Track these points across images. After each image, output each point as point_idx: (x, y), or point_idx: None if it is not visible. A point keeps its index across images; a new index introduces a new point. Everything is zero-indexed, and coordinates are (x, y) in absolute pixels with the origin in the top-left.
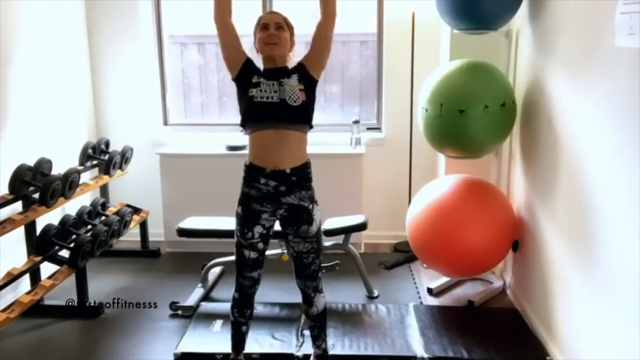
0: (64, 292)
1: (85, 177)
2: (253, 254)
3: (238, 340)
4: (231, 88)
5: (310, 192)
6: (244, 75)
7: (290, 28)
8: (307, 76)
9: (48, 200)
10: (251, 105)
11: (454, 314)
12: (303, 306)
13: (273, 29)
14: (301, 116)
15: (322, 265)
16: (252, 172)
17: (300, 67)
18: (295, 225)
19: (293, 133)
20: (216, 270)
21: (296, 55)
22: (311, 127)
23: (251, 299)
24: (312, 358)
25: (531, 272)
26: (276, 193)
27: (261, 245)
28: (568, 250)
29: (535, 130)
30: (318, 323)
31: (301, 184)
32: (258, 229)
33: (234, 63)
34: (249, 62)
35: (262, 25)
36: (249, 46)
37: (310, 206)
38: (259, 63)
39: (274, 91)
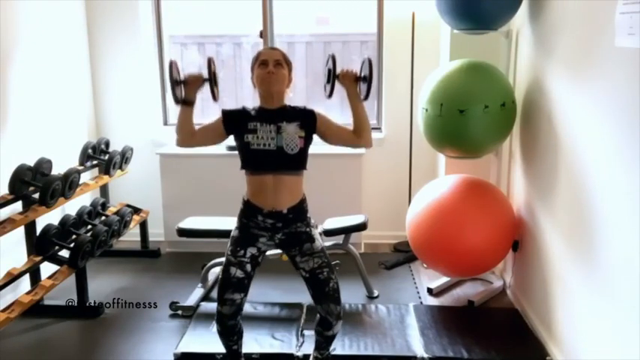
0: (64, 292)
1: (85, 177)
2: (239, 273)
3: (232, 355)
4: (232, 88)
5: (306, 221)
6: (233, 125)
7: (288, 64)
8: (312, 127)
9: (48, 200)
10: (248, 152)
11: (454, 314)
12: (318, 327)
13: (272, 66)
14: (297, 163)
15: (339, 286)
16: (250, 210)
17: (308, 117)
18: (297, 245)
19: (289, 177)
20: (216, 270)
21: (292, 90)
22: (305, 169)
23: (234, 328)
24: (311, 358)
25: (531, 272)
26: (274, 228)
27: (249, 267)
28: (568, 250)
29: (535, 130)
30: (328, 341)
31: (297, 218)
32: (251, 250)
33: (220, 138)
34: (228, 117)
35: (261, 62)
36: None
37: (308, 229)
38: (255, 98)
39: (271, 138)
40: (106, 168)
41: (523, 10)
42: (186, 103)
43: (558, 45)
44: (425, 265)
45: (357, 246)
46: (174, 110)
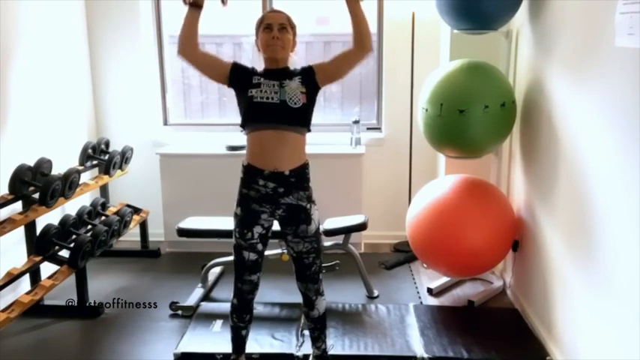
0: (64, 292)
1: (85, 177)
2: (253, 256)
3: (239, 343)
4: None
5: (308, 192)
6: (239, 79)
7: (293, 27)
8: (312, 81)
9: (48, 200)
10: (251, 105)
11: (454, 314)
12: (304, 308)
13: (277, 31)
14: (301, 118)
15: (322, 265)
16: (251, 174)
17: (308, 72)
18: (294, 225)
19: (292, 134)
20: (216, 270)
21: (297, 53)
22: (309, 130)
23: (250, 304)
24: (311, 358)
25: (531, 272)
26: (275, 195)
27: (260, 246)
28: (568, 249)
29: (535, 130)
30: (318, 325)
31: (299, 185)
32: (257, 230)
33: (220, 78)
34: (237, 68)
35: (265, 26)
36: (250, 45)
37: (308, 206)
38: (260, 61)
39: (275, 92)
40: (106, 168)
41: (523, 10)
42: (194, 5)
43: (558, 45)
44: (425, 265)
45: (357, 246)
46: (175, 110)
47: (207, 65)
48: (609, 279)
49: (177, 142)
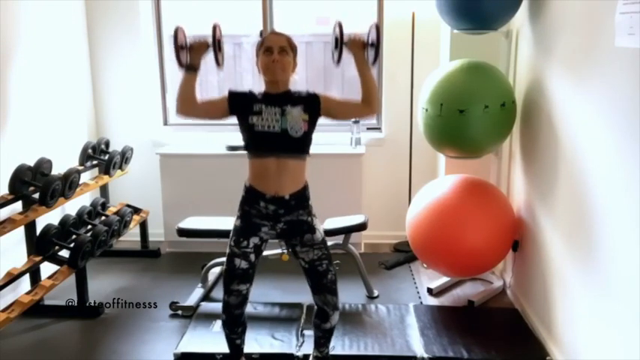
0: (64, 292)
1: (85, 177)
2: (244, 264)
3: (234, 351)
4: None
5: (308, 209)
6: (238, 105)
7: (293, 50)
8: (316, 109)
9: (48, 200)
10: (252, 134)
11: (454, 314)
12: (315, 319)
13: (277, 54)
14: (301, 147)
15: (336, 278)
16: (252, 195)
17: (313, 100)
18: (298, 235)
19: (293, 162)
20: (216, 270)
21: (297, 73)
22: (308, 154)
23: (239, 319)
24: (311, 357)
25: (531, 272)
26: (276, 215)
27: (252, 257)
28: (568, 249)
29: (535, 130)
30: (326, 335)
31: (299, 205)
32: (254, 240)
33: (223, 113)
34: (234, 96)
35: (265, 48)
36: (250, 45)
37: (309, 219)
38: (260, 83)
39: (276, 121)
40: (106, 168)
41: (523, 10)
42: (191, 69)
43: (558, 45)
44: (425, 265)
45: (357, 246)
46: (175, 110)
47: (208, 112)
48: (609, 279)
49: (177, 142)
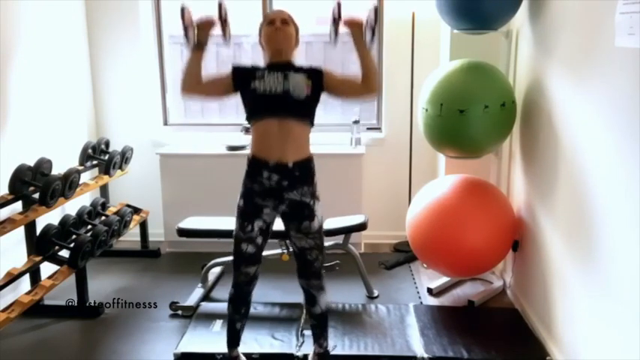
0: (64, 292)
1: (85, 177)
2: (251, 248)
3: (232, 336)
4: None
5: (312, 188)
6: (243, 77)
7: (295, 25)
8: (319, 80)
9: (48, 200)
10: (254, 97)
11: (454, 314)
12: (306, 305)
13: (279, 23)
14: (304, 110)
15: (323, 264)
16: (255, 166)
17: (317, 72)
18: (297, 221)
19: (296, 125)
20: (216, 270)
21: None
22: (312, 124)
23: (247, 297)
24: (311, 355)
25: (531, 272)
26: (279, 188)
27: (259, 240)
28: (568, 249)
29: (535, 130)
30: (321, 322)
31: (304, 179)
32: (258, 223)
33: (228, 89)
34: (238, 70)
35: (269, 21)
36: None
37: (312, 202)
38: (261, 62)
39: (278, 83)
40: (106, 168)
41: (523, 10)
42: (198, 46)
43: (558, 45)
44: (425, 265)
45: (357, 246)
46: (175, 110)
47: (211, 89)
48: (609, 279)
49: (177, 142)
